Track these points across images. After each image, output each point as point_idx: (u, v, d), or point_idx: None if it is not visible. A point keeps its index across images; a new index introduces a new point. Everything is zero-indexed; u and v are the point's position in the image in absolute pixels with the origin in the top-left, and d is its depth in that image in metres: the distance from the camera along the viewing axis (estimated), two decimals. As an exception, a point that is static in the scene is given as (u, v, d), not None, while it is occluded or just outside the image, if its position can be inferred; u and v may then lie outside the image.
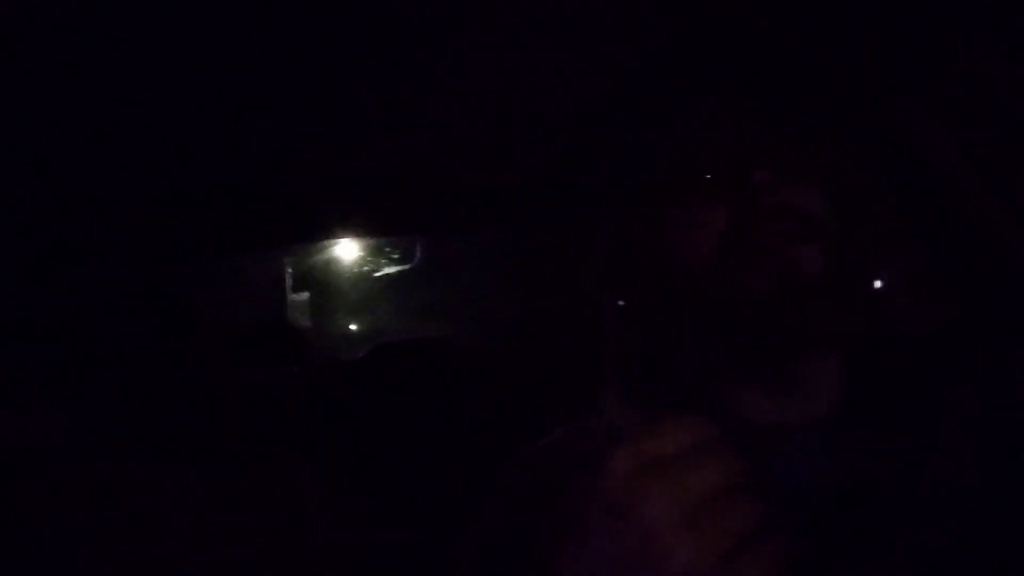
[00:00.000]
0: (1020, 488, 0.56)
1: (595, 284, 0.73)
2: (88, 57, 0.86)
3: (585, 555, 0.44)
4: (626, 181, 0.66)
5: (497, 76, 1.04)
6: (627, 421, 0.48)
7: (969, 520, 0.56)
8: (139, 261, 1.56)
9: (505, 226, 2.02)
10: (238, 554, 1.13)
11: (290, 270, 5.83)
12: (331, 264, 6.20)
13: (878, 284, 0.93)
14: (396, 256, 6.12)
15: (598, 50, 0.92)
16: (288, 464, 1.25)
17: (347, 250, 5.89)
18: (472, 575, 0.67)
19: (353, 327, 6.12)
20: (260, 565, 1.17)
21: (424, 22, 0.90)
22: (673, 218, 0.61)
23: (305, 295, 5.87)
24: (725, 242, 0.58)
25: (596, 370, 0.70)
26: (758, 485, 0.55)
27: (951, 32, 0.79)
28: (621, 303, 0.70)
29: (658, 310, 0.66)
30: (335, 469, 1.59)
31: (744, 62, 0.64)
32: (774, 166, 0.58)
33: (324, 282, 6.11)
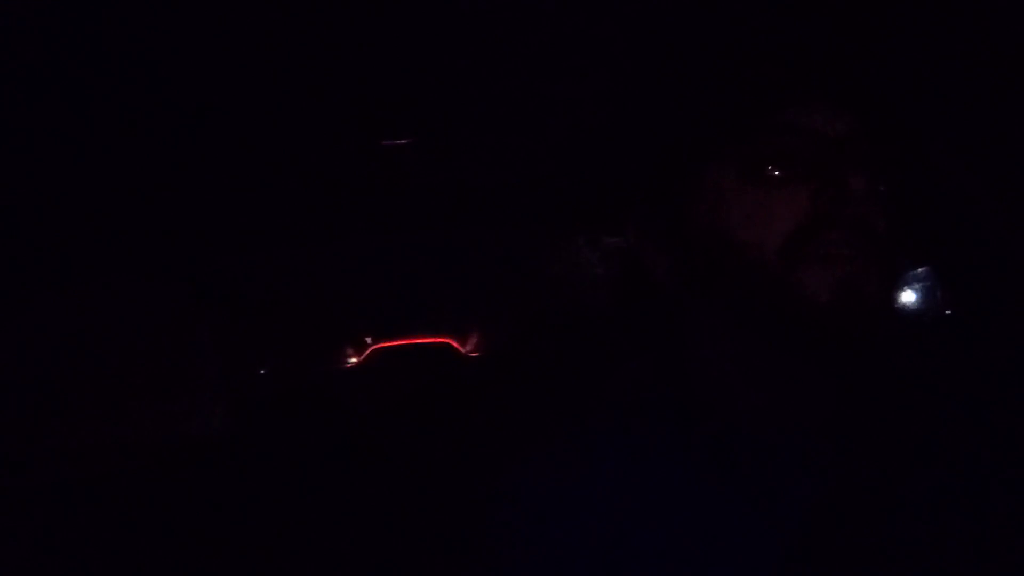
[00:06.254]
0: (1012, 493, 0.56)
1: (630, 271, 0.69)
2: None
3: None
4: (709, 152, 0.61)
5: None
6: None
7: (963, 525, 0.56)
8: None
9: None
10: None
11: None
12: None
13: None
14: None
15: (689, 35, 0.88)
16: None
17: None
18: None
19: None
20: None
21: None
22: (748, 199, 0.58)
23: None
24: (794, 238, 0.56)
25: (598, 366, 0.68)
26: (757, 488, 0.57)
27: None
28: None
29: (697, 295, 0.63)
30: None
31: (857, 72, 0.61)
32: (868, 179, 0.56)
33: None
